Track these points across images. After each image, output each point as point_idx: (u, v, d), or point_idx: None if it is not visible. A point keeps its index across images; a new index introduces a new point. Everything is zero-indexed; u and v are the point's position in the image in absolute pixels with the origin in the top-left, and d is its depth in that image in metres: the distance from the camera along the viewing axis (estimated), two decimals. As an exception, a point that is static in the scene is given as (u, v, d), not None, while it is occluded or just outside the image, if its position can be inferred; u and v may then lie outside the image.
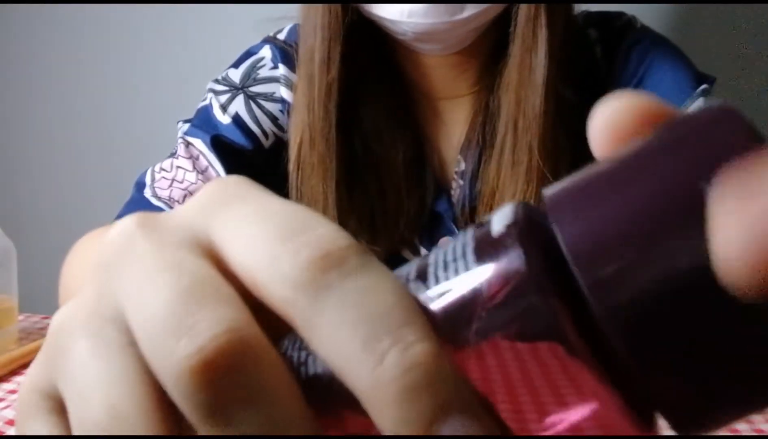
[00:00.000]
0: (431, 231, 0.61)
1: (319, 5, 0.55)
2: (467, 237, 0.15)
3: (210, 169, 0.59)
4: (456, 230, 0.61)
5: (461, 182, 0.60)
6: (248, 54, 0.66)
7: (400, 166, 0.59)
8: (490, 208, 0.56)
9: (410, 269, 0.15)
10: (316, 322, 0.13)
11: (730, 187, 0.10)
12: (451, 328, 0.13)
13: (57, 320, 0.16)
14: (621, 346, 0.12)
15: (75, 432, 0.14)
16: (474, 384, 0.13)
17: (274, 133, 0.63)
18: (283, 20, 0.65)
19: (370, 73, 0.59)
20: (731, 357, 0.12)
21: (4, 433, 0.42)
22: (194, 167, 0.59)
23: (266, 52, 0.65)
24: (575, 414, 0.13)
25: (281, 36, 0.66)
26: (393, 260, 0.61)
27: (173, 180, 0.59)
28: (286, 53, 0.64)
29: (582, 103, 0.56)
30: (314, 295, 0.13)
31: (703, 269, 0.11)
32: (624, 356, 0.12)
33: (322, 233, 0.13)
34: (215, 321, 0.13)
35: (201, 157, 0.60)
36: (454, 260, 0.14)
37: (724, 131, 0.12)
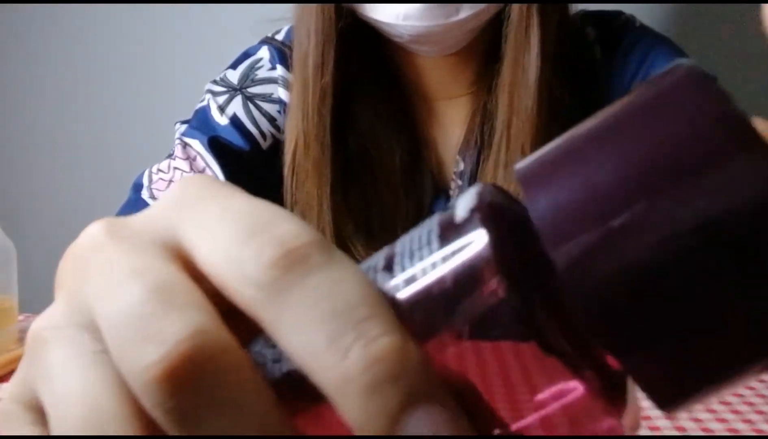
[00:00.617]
0: None
1: (312, 9, 0.55)
2: (433, 223, 0.14)
3: (207, 170, 0.59)
4: None
5: (460, 183, 0.60)
6: (246, 55, 0.66)
7: (397, 168, 0.58)
8: None
9: (378, 258, 0.15)
10: (281, 320, 0.13)
11: None
12: (417, 319, 0.13)
13: (32, 329, 0.16)
14: (593, 322, 0.12)
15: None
16: (443, 375, 0.13)
17: (272, 134, 0.62)
18: (281, 21, 0.65)
19: (365, 76, 0.58)
20: (707, 327, 0.11)
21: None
22: (191, 168, 0.59)
23: (264, 53, 0.65)
24: (546, 401, 0.13)
25: (279, 36, 0.66)
26: None
27: (171, 181, 0.59)
28: (284, 54, 0.63)
29: (579, 104, 0.56)
30: (277, 294, 0.13)
31: (679, 237, 0.11)
32: (596, 334, 0.12)
33: (285, 229, 0.13)
34: (180, 326, 0.13)
35: (198, 158, 0.60)
36: (420, 248, 0.14)
37: (695, 97, 0.12)
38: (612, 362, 0.13)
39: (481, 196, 0.14)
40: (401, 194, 0.59)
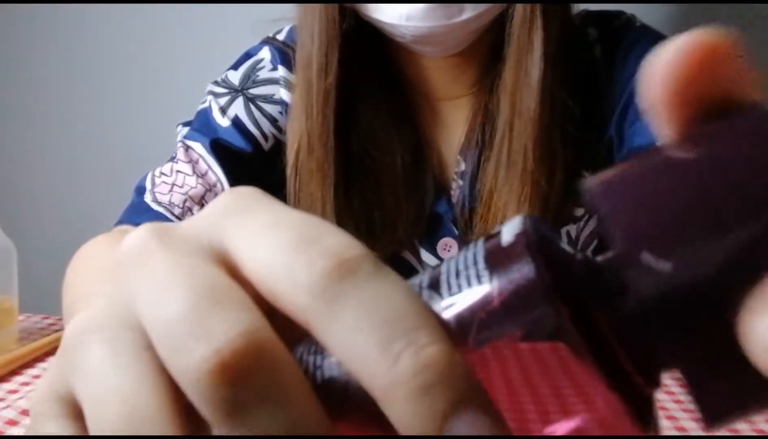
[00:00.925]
0: (431, 232, 0.61)
1: (316, 11, 0.55)
2: (478, 247, 0.15)
3: (210, 172, 0.59)
4: (455, 231, 0.60)
5: (461, 183, 0.60)
6: (247, 55, 0.66)
7: (398, 169, 0.59)
8: (488, 210, 0.56)
9: (423, 277, 0.16)
10: (334, 327, 0.13)
11: None
12: (463, 333, 0.14)
13: (72, 326, 0.16)
14: (648, 343, 0.13)
15: (92, 432, 0.14)
16: (487, 386, 0.13)
17: (273, 136, 0.62)
18: (281, 21, 0.65)
19: (368, 76, 0.58)
20: None
21: (4, 433, 0.43)
22: (194, 171, 0.59)
23: (265, 53, 0.65)
24: (579, 418, 0.13)
25: (280, 37, 0.66)
26: (393, 261, 0.61)
27: (173, 184, 0.59)
28: (285, 54, 0.63)
29: (579, 106, 0.56)
30: (331, 302, 0.13)
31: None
32: (644, 355, 0.13)
33: (335, 241, 0.14)
34: (231, 324, 0.13)
35: (201, 160, 0.60)
36: (466, 268, 0.15)
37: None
38: (642, 384, 0.13)
39: (525, 224, 0.15)
40: (402, 195, 0.59)
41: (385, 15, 0.51)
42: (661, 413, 0.45)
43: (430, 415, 0.12)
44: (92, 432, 0.14)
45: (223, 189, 0.58)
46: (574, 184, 0.55)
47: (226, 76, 0.65)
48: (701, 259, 0.12)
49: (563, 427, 0.14)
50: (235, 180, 0.59)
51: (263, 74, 0.63)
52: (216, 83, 0.65)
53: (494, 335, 0.14)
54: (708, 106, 0.13)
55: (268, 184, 0.60)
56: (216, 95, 0.63)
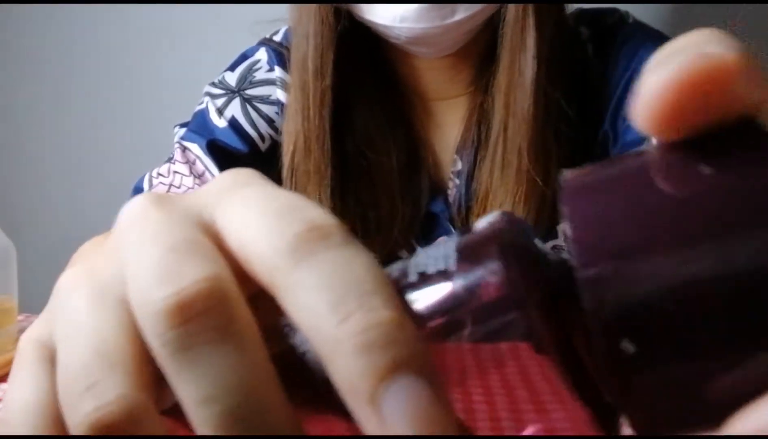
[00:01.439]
0: (427, 232, 0.61)
1: (311, 13, 0.55)
2: (451, 242, 0.15)
3: (207, 173, 0.60)
4: (452, 230, 0.61)
5: (458, 182, 0.60)
6: (244, 57, 0.66)
7: (394, 170, 0.59)
8: (485, 209, 0.56)
9: (394, 267, 0.16)
10: (293, 285, 0.14)
11: None
12: (424, 322, 0.14)
13: (64, 276, 0.17)
14: (605, 343, 0.12)
15: (59, 372, 0.15)
16: (440, 366, 0.13)
17: (270, 136, 0.63)
18: (278, 22, 0.66)
19: (363, 78, 0.59)
20: (720, 370, 0.12)
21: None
22: (191, 172, 0.59)
23: (262, 54, 0.65)
24: (539, 418, 0.13)
25: (277, 38, 0.66)
26: (390, 261, 0.61)
27: (171, 185, 0.60)
28: (281, 55, 0.63)
29: (573, 105, 0.56)
30: (295, 262, 0.14)
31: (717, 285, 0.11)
32: (603, 356, 0.12)
33: (314, 213, 0.15)
34: (195, 271, 0.14)
35: (198, 162, 0.60)
36: (436, 261, 0.15)
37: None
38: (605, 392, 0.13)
39: (498, 222, 0.15)
40: (398, 196, 0.59)
41: (379, 16, 0.52)
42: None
43: (369, 373, 0.12)
44: (59, 368, 0.15)
45: None
46: None
47: (223, 77, 0.65)
48: (659, 272, 0.12)
49: (524, 430, 0.14)
50: None
51: (260, 75, 0.64)
52: (213, 84, 0.65)
53: (455, 329, 0.14)
54: (703, 125, 0.13)
55: None
56: (213, 96, 0.63)
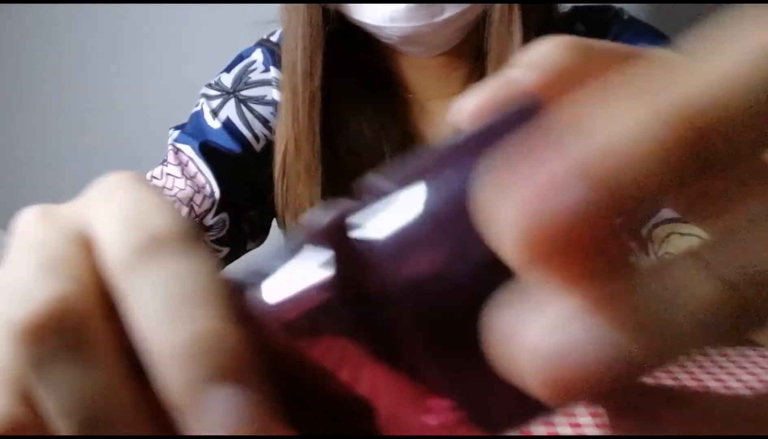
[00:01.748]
0: None
1: (300, 15, 0.56)
2: (292, 236, 0.16)
3: (199, 174, 0.60)
4: None
5: None
6: (240, 58, 0.66)
7: (387, 164, 0.59)
8: None
9: (247, 268, 0.16)
10: (129, 293, 0.14)
11: (498, 175, 0.11)
12: (256, 322, 0.14)
13: None
14: (413, 334, 0.13)
15: None
16: (271, 375, 0.14)
17: (265, 136, 0.63)
18: (274, 23, 0.65)
19: (354, 78, 0.59)
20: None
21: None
22: (183, 174, 0.60)
23: (258, 55, 0.65)
24: (366, 414, 0.14)
25: (273, 38, 0.66)
26: None
27: (164, 187, 0.60)
28: (277, 55, 0.64)
29: None
30: (132, 272, 0.14)
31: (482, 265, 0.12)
32: (414, 346, 0.13)
33: (158, 220, 0.15)
34: (50, 290, 0.14)
35: (190, 163, 0.60)
36: (275, 258, 0.15)
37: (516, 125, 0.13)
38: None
39: (325, 217, 0.15)
40: None
41: (368, 17, 0.52)
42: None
43: (188, 382, 0.13)
44: None
45: (212, 190, 0.59)
46: None
47: (219, 78, 0.65)
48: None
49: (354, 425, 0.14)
50: (224, 181, 0.60)
51: (255, 76, 0.64)
52: (209, 86, 0.65)
53: (285, 329, 0.14)
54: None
55: (260, 185, 0.61)
56: (209, 97, 0.64)
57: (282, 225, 0.64)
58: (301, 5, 0.56)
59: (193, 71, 1.02)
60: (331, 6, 0.55)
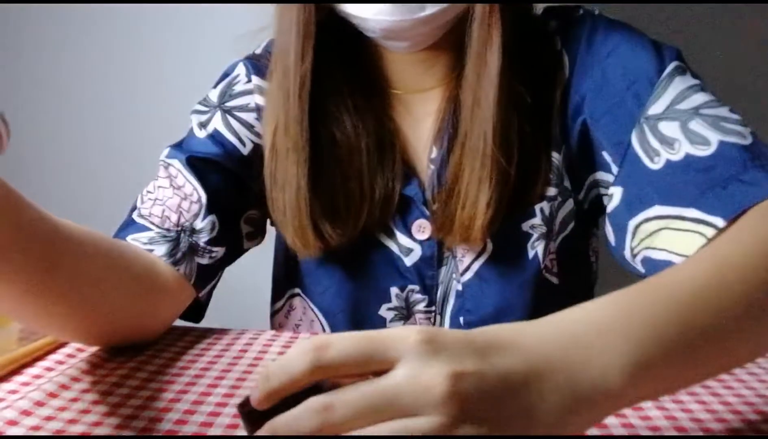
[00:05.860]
0: (404, 214, 0.65)
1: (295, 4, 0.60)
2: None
3: (187, 184, 0.63)
4: (427, 213, 0.64)
5: (432, 168, 0.64)
6: (225, 74, 0.71)
7: (362, 154, 0.63)
8: (453, 190, 0.60)
9: None
10: None
11: None
12: None
13: None
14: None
15: None
16: None
17: (251, 141, 0.67)
18: (262, 32, 0.68)
19: (339, 70, 0.63)
20: None
21: (4, 433, 0.43)
22: (171, 184, 0.64)
23: (240, 69, 0.70)
24: None
25: (258, 51, 0.71)
26: (369, 243, 0.65)
27: (156, 199, 0.64)
28: (258, 66, 0.69)
29: (542, 93, 0.61)
30: None
31: None
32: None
33: None
34: None
35: (179, 175, 0.64)
36: None
37: None
38: None
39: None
40: (366, 179, 0.63)
41: (355, 9, 0.57)
42: (659, 414, 0.45)
43: None
44: None
45: (199, 196, 0.63)
46: (540, 165, 0.62)
47: (207, 96, 0.70)
48: None
49: None
50: (209, 185, 0.63)
51: (238, 88, 0.69)
52: (200, 103, 0.70)
53: None
54: None
55: (249, 189, 0.65)
56: (198, 113, 0.68)
57: (273, 222, 0.67)
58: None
59: (189, 83, 1.04)
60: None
